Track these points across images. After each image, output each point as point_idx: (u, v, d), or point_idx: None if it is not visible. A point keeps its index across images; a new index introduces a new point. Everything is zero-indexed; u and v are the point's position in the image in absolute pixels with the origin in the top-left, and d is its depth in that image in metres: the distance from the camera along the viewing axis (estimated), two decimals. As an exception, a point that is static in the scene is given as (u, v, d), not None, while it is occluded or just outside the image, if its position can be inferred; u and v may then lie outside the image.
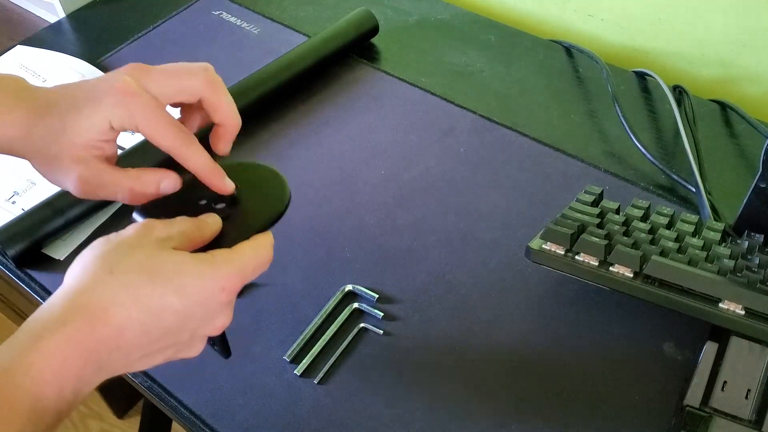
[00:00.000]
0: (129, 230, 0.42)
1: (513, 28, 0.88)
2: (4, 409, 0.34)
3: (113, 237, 0.41)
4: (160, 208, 0.47)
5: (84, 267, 0.39)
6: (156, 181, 0.47)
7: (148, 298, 0.38)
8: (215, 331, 0.43)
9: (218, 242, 0.45)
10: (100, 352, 0.37)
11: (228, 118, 0.49)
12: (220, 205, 0.48)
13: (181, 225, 0.43)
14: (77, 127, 0.44)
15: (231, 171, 0.48)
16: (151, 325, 0.39)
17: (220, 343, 0.49)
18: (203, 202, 0.48)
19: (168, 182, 0.48)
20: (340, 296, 0.61)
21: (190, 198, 0.48)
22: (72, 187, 0.47)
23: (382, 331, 0.59)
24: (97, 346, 0.37)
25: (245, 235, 0.45)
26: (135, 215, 0.47)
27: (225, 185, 0.47)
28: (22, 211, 0.65)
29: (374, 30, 0.84)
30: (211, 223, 0.45)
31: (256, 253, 0.44)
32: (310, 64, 0.78)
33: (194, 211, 0.46)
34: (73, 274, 0.39)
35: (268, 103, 0.76)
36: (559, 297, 0.61)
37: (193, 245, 0.43)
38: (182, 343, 0.41)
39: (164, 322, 0.39)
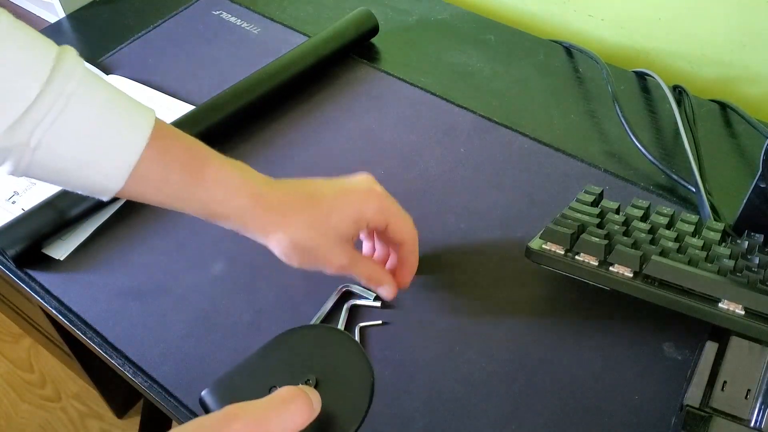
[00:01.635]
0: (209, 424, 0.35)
1: (513, 28, 0.88)
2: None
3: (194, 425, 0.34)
4: (229, 388, 0.41)
5: None
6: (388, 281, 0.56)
7: None
8: None
9: None
10: None
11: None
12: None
13: (286, 417, 0.35)
14: (341, 215, 0.52)
15: (300, 339, 0.43)
16: None
17: None
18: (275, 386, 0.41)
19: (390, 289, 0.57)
20: (338, 296, 0.61)
21: (262, 377, 0.42)
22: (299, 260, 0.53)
23: (381, 327, 0.59)
24: None
25: None
26: (205, 396, 0.42)
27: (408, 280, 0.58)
28: (22, 211, 0.65)
29: (374, 30, 0.84)
30: (315, 401, 0.37)
31: None
32: (310, 64, 0.78)
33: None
34: None
35: (268, 103, 0.76)
36: (559, 297, 0.61)
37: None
38: None
39: None
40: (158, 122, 0.48)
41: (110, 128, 0.45)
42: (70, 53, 0.46)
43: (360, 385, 0.41)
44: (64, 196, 0.64)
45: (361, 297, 0.61)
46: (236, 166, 0.51)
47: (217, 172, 0.50)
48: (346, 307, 0.60)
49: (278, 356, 0.43)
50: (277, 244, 0.52)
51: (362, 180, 0.55)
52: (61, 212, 0.64)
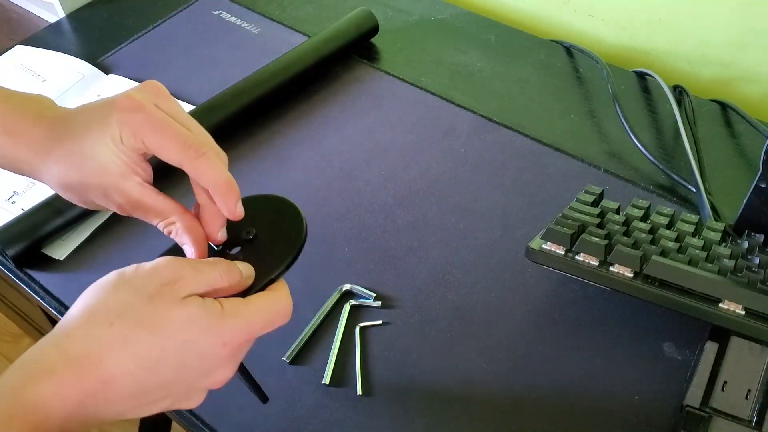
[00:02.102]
0: (152, 272, 0.38)
1: (513, 28, 0.88)
2: None
3: (130, 275, 0.38)
4: (177, 248, 0.45)
5: (88, 307, 0.37)
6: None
7: (146, 353, 0.36)
8: (215, 385, 0.40)
9: None
10: (86, 405, 0.35)
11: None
12: (235, 250, 0.45)
13: (210, 279, 0.39)
14: (93, 149, 0.42)
15: (249, 204, 0.46)
16: (146, 379, 0.37)
17: (252, 389, 0.48)
18: (218, 247, 0.46)
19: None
20: (338, 296, 0.61)
21: None
22: (113, 208, 0.45)
23: (381, 327, 0.59)
24: (83, 399, 0.35)
25: (260, 281, 0.42)
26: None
27: (237, 209, 0.44)
28: (22, 211, 0.65)
29: (374, 30, 0.84)
30: (245, 277, 0.42)
31: (268, 308, 0.41)
32: (310, 64, 0.78)
33: (210, 254, 0.44)
34: (76, 312, 0.37)
35: (268, 103, 0.76)
36: (559, 297, 0.61)
37: (217, 296, 0.40)
38: (178, 395, 0.39)
39: (159, 376, 0.37)
40: None
41: None
42: None
43: (294, 232, 0.46)
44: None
45: (361, 297, 0.61)
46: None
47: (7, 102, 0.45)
48: (346, 307, 0.60)
49: None
50: (51, 182, 0.45)
51: (111, 101, 0.44)
52: (61, 212, 0.64)
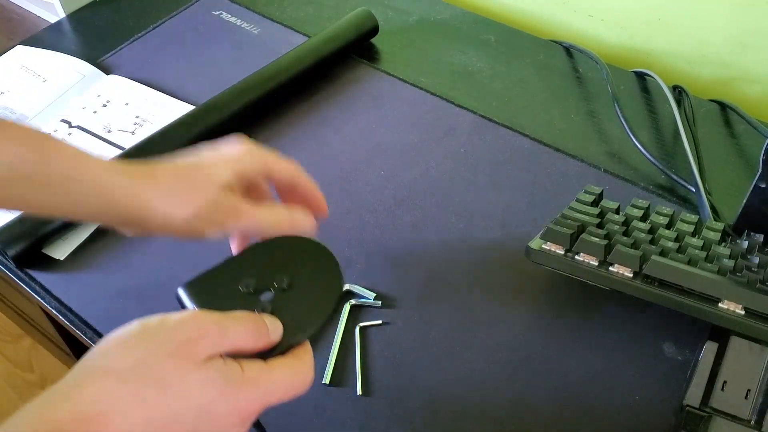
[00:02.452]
0: (176, 327, 0.37)
1: (513, 28, 0.88)
2: None
3: (154, 328, 0.37)
4: (205, 287, 0.43)
5: (105, 357, 0.36)
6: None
7: (158, 415, 0.35)
8: None
9: None
10: None
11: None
12: (266, 296, 0.43)
13: (236, 339, 0.39)
14: (217, 164, 0.48)
15: (276, 247, 0.45)
16: None
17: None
18: (248, 287, 0.44)
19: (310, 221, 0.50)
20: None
21: (237, 277, 0.44)
22: (190, 211, 0.46)
23: (381, 327, 0.59)
24: None
25: (286, 341, 0.41)
26: (181, 293, 0.43)
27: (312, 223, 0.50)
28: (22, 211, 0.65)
29: (374, 30, 0.84)
30: (272, 336, 0.41)
31: (290, 378, 0.40)
32: (310, 64, 0.78)
33: (240, 299, 0.43)
34: (93, 360, 0.36)
35: (268, 104, 0.76)
36: (559, 297, 0.61)
37: (242, 354, 0.39)
38: None
39: None
40: None
41: None
42: None
43: (330, 286, 0.45)
44: None
45: (361, 297, 0.61)
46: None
47: (70, 148, 0.45)
48: (346, 306, 0.60)
49: (254, 259, 0.46)
50: (165, 218, 0.46)
51: (229, 140, 0.51)
52: None
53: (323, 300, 0.44)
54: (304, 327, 0.42)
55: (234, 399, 0.37)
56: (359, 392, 0.55)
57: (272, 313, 0.42)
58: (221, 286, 0.43)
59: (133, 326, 0.37)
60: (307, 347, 0.42)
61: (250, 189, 0.51)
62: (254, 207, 0.48)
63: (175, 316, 0.38)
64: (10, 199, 0.45)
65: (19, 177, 0.43)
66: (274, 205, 0.50)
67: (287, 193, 0.54)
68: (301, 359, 0.41)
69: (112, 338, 0.37)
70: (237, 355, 0.39)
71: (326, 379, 0.56)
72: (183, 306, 0.43)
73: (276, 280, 0.44)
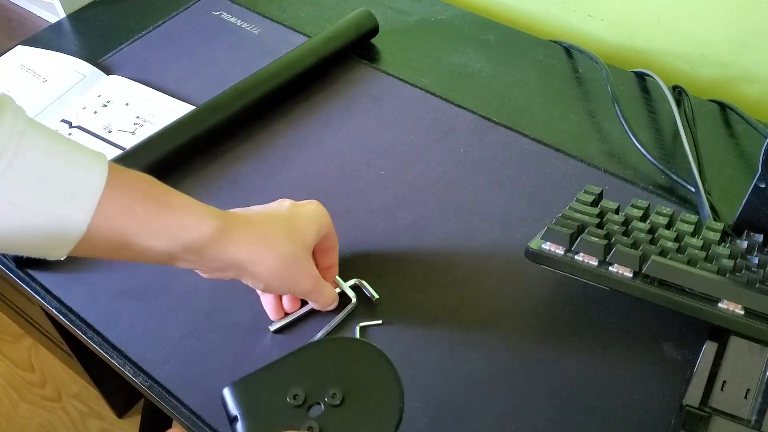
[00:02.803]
0: None
1: (513, 28, 0.89)
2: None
3: None
4: (252, 392, 0.42)
5: None
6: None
7: None
8: None
9: None
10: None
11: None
12: (316, 411, 0.41)
13: None
14: (307, 222, 0.54)
15: (330, 350, 0.43)
16: None
17: None
18: (296, 398, 0.41)
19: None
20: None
21: (286, 385, 0.42)
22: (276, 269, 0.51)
23: (381, 327, 0.59)
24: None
25: None
26: (226, 394, 0.42)
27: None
28: None
29: (374, 30, 0.84)
30: None
31: None
32: (310, 64, 0.78)
33: (288, 412, 0.41)
34: None
35: (268, 104, 0.76)
36: (559, 297, 0.61)
37: None
38: None
39: None
40: (110, 163, 0.46)
41: (67, 169, 0.42)
42: (10, 100, 0.42)
43: (388, 406, 0.41)
44: None
45: (366, 290, 0.61)
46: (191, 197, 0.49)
47: (180, 199, 0.48)
48: (346, 310, 0.60)
49: (306, 363, 0.43)
50: (263, 266, 0.50)
51: (308, 201, 0.57)
52: None
53: (379, 420, 0.41)
54: None
55: None
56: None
57: (322, 428, 0.40)
58: (269, 393, 0.41)
59: None
60: None
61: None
62: (322, 280, 0.55)
63: None
64: (108, 239, 0.45)
65: (132, 233, 0.46)
66: (328, 282, 0.57)
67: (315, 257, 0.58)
68: None
69: None
70: None
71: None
72: (226, 408, 0.42)
73: (328, 392, 0.41)
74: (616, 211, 0.61)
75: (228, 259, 0.49)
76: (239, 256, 0.49)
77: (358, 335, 0.58)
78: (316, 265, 0.57)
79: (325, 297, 0.57)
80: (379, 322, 0.59)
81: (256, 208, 0.54)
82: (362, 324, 0.59)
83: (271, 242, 0.50)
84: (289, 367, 0.43)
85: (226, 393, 0.42)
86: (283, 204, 0.56)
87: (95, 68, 0.82)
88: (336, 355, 0.43)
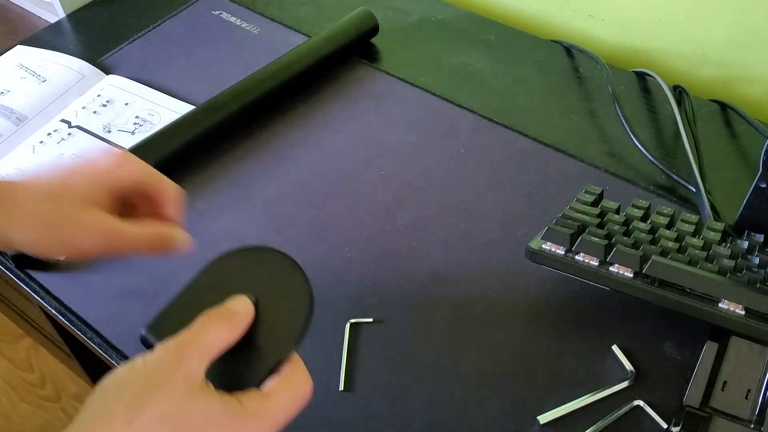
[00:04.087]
0: (155, 362, 0.37)
1: (513, 28, 0.88)
2: None
3: (139, 366, 0.36)
4: (169, 324, 0.41)
5: (105, 402, 0.35)
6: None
7: None
8: None
9: (239, 371, 0.39)
10: None
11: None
12: None
13: (214, 340, 0.38)
14: (77, 188, 0.46)
15: (234, 263, 0.43)
16: None
17: None
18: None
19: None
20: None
21: (200, 306, 0.41)
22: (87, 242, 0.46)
23: (381, 327, 0.59)
24: None
25: (271, 360, 0.40)
26: (146, 335, 0.42)
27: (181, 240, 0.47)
28: None
29: (374, 30, 0.84)
30: (242, 312, 0.40)
31: (291, 396, 0.39)
32: (310, 63, 0.78)
33: None
34: (94, 410, 0.35)
35: (267, 103, 0.76)
36: (559, 297, 0.61)
37: (226, 348, 0.39)
38: None
39: None
40: None
41: None
42: None
43: (299, 301, 0.42)
44: None
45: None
46: None
47: None
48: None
49: (213, 282, 0.43)
50: (15, 228, 0.45)
51: (101, 152, 0.50)
52: None
53: (297, 308, 0.42)
54: (286, 340, 0.41)
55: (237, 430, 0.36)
56: (341, 388, 0.55)
57: (248, 335, 0.40)
58: (185, 319, 0.40)
59: (120, 370, 0.37)
60: (296, 358, 0.41)
61: (126, 206, 0.49)
62: (124, 225, 0.46)
63: (151, 354, 0.37)
64: None
65: None
66: (146, 223, 0.48)
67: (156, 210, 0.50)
68: (293, 374, 0.40)
69: (104, 386, 0.36)
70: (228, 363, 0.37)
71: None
72: (151, 348, 0.41)
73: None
74: (617, 211, 0.60)
75: None
76: None
77: (348, 332, 0.58)
78: (140, 217, 0.50)
79: (132, 243, 0.47)
80: (370, 320, 0.59)
81: (37, 175, 0.48)
82: (352, 320, 0.59)
83: (21, 204, 0.45)
84: (199, 288, 0.43)
85: (145, 333, 0.42)
86: (66, 163, 0.50)
87: (95, 68, 0.82)
88: (244, 266, 0.43)
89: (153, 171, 0.49)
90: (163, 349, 0.37)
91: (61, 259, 0.63)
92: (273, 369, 0.40)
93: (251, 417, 0.37)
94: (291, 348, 0.40)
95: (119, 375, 0.36)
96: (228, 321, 0.39)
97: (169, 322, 0.41)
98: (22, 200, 0.45)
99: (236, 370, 0.39)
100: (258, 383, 0.39)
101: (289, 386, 0.39)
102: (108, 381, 0.36)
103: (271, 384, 0.39)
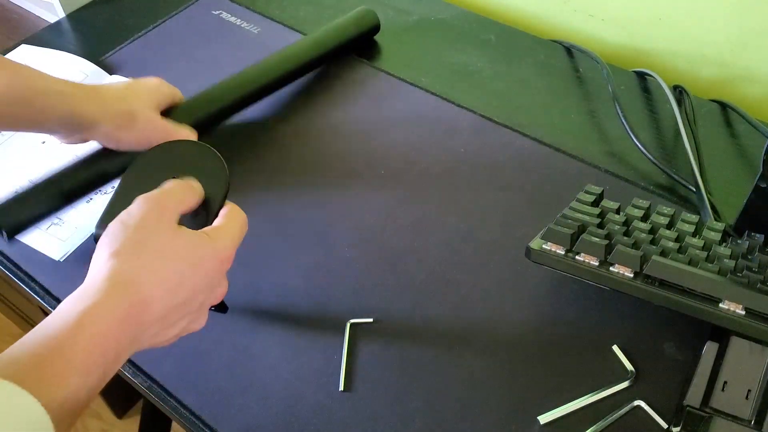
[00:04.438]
0: (140, 212, 0.45)
1: (513, 28, 0.88)
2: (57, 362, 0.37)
3: (128, 220, 0.44)
4: (111, 217, 0.46)
5: (112, 248, 0.43)
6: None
7: (169, 278, 0.43)
8: (216, 300, 0.49)
9: (197, 222, 0.50)
10: (127, 326, 0.41)
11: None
12: None
13: (182, 197, 0.48)
14: (142, 94, 0.63)
15: (154, 156, 0.54)
16: (170, 301, 0.43)
17: (218, 303, 0.53)
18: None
19: None
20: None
21: (139, 191, 0.48)
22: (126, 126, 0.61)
23: (381, 328, 0.59)
24: (126, 318, 0.40)
25: (214, 206, 0.51)
26: (99, 233, 0.47)
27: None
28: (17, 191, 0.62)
29: (375, 28, 0.84)
30: (197, 187, 0.51)
31: (236, 222, 0.50)
32: (309, 58, 0.78)
33: None
34: (101, 260, 0.43)
35: (263, 96, 0.75)
36: (559, 297, 0.61)
37: (189, 209, 0.49)
38: (193, 313, 0.46)
39: (180, 297, 0.44)
40: None
41: None
42: None
43: (218, 169, 0.53)
44: (66, 175, 0.63)
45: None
46: None
47: (35, 70, 0.58)
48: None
49: (141, 176, 0.52)
50: (105, 121, 0.59)
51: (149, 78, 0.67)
52: (60, 189, 0.62)
53: (219, 174, 0.53)
54: (220, 198, 0.52)
55: (213, 250, 0.46)
56: (341, 388, 0.55)
57: None
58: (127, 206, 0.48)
59: (113, 226, 0.44)
60: (228, 203, 0.52)
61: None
62: (178, 126, 0.64)
63: (132, 206, 0.46)
64: None
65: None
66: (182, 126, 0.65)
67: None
68: (230, 211, 0.51)
69: (103, 242, 0.44)
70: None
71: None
72: None
73: (174, 177, 0.51)
74: (617, 211, 0.60)
75: (74, 115, 0.58)
76: (80, 110, 0.58)
77: (348, 332, 0.58)
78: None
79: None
80: (370, 320, 0.59)
81: (105, 84, 0.63)
82: (352, 321, 0.59)
83: (108, 102, 0.60)
84: (131, 184, 0.52)
85: (96, 232, 0.50)
86: (126, 81, 0.66)
87: (98, 67, 0.82)
88: (163, 158, 0.54)
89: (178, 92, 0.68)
90: (144, 203, 0.46)
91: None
92: (216, 215, 0.51)
93: (216, 238, 0.47)
94: (223, 201, 0.52)
95: (114, 231, 0.44)
96: (191, 188, 0.50)
97: (115, 214, 0.47)
98: (107, 99, 0.60)
99: (193, 222, 0.50)
100: (211, 224, 0.50)
101: (231, 216, 0.50)
102: (106, 237, 0.44)
103: (219, 220, 0.50)
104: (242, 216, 0.51)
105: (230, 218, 0.50)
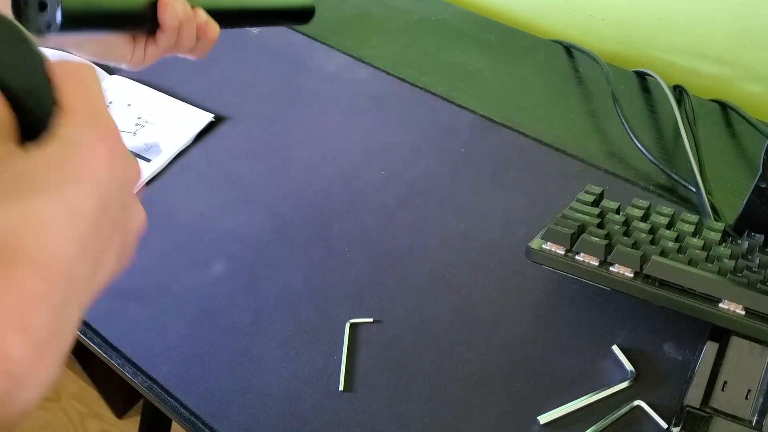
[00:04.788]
0: None
1: (513, 28, 0.88)
2: None
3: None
4: None
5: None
6: None
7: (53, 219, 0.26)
8: (137, 226, 0.34)
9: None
10: (33, 302, 0.25)
11: None
12: None
13: None
14: None
15: None
16: (80, 231, 0.28)
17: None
18: None
19: None
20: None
21: None
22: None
23: (381, 328, 0.59)
24: (24, 297, 0.24)
25: (36, 108, 0.32)
26: None
27: None
28: None
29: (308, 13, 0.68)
30: None
31: (82, 88, 0.31)
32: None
33: None
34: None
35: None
36: (559, 297, 0.61)
37: None
38: (118, 220, 0.32)
39: (86, 222, 0.28)
40: None
41: None
42: None
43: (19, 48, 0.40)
44: None
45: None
46: None
47: None
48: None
49: None
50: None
51: None
52: None
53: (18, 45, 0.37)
54: (28, 77, 0.35)
55: (77, 154, 0.28)
56: (341, 388, 0.55)
57: None
58: None
59: None
60: (56, 65, 0.33)
61: None
62: None
63: None
64: None
65: None
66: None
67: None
68: (63, 74, 0.32)
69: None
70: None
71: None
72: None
73: None
74: (617, 211, 0.60)
75: None
76: None
77: (348, 332, 0.58)
78: None
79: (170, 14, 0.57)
80: (370, 320, 0.59)
81: None
82: (352, 320, 0.59)
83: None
84: None
85: None
86: None
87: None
88: None
89: None
90: None
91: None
92: (50, 109, 0.34)
93: (77, 135, 0.29)
94: (49, 87, 0.36)
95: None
96: None
97: None
98: None
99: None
100: None
101: (72, 87, 0.31)
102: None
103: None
104: (88, 71, 0.31)
105: (73, 93, 0.31)
